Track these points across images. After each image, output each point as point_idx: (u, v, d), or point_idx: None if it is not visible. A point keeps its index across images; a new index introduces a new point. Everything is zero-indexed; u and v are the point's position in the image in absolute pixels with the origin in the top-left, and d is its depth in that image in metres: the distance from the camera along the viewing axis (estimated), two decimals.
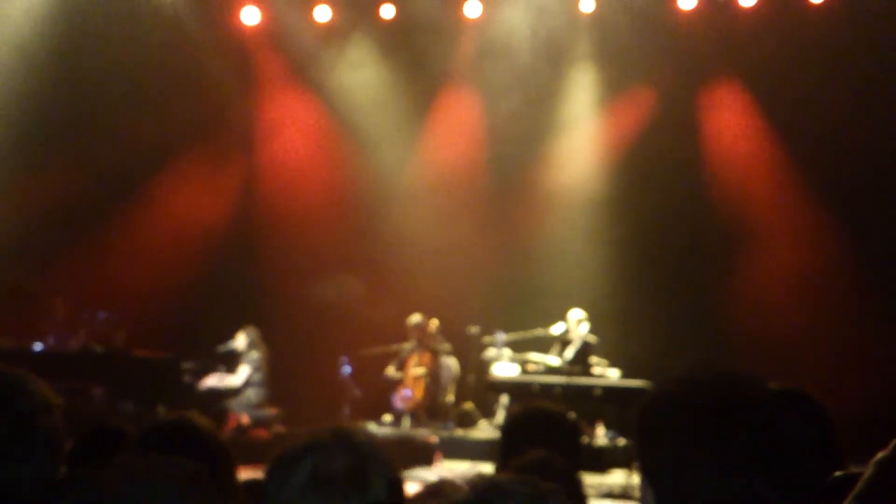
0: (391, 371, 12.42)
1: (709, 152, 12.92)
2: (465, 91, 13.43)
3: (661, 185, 12.59)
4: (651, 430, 1.76)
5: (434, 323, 12.38)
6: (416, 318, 12.39)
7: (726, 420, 1.68)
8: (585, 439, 10.76)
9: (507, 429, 3.19)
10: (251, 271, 13.44)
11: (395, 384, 12.39)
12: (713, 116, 12.96)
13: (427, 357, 12.38)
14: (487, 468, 9.57)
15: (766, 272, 12.16)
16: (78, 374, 11.00)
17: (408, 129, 13.51)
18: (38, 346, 11.05)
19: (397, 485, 1.76)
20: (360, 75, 13.53)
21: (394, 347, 12.55)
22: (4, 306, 12.00)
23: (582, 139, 13.40)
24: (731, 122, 12.85)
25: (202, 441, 2.27)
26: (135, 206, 13.30)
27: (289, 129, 13.93)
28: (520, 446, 2.79)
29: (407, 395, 12.24)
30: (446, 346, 12.43)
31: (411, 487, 1.64)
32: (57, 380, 11.03)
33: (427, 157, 13.59)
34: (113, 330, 11.58)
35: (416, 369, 12.33)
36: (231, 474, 2.32)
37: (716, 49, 12.57)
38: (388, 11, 13.17)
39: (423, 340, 12.37)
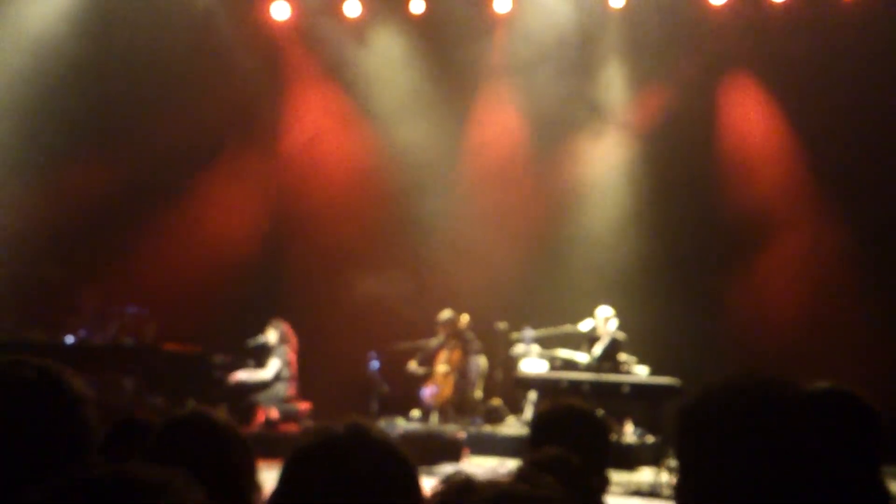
0: (413, 365, 12.43)
1: (736, 148, 12.80)
2: (495, 87, 13.40)
3: (690, 180, 12.54)
4: (692, 432, 1.81)
5: (465, 318, 12.37)
6: (447, 313, 12.40)
7: (766, 424, 1.73)
8: (614, 436, 10.73)
9: (535, 426, 3.18)
10: (281, 266, 13.49)
11: (423, 379, 12.40)
12: (737, 113, 12.84)
13: (457, 353, 12.38)
14: (515, 464, 9.57)
15: (793, 267, 12.06)
16: (108, 368, 11.08)
17: (439, 125, 13.48)
18: (69, 340, 11.14)
19: (414, 481, 1.74)
20: (391, 70, 13.54)
21: (421, 343, 12.56)
22: (37, 299, 12.12)
23: (611, 135, 13.33)
24: (755, 119, 12.72)
25: (219, 436, 2.27)
26: (165, 201, 13.38)
27: (319, 125, 13.97)
28: (547, 443, 2.78)
29: (433, 392, 12.25)
30: (477, 342, 12.42)
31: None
32: (88, 373, 11.14)
33: (456, 154, 13.56)
34: (143, 324, 11.65)
35: (446, 365, 12.34)
36: (249, 469, 2.32)
37: (744, 44, 12.47)
38: (417, 6, 13.18)
39: (454, 336, 12.37)
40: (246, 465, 2.28)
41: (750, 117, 12.76)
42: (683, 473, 1.82)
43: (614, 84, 13.27)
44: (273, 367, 11.62)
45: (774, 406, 1.75)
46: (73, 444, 1.85)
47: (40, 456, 1.80)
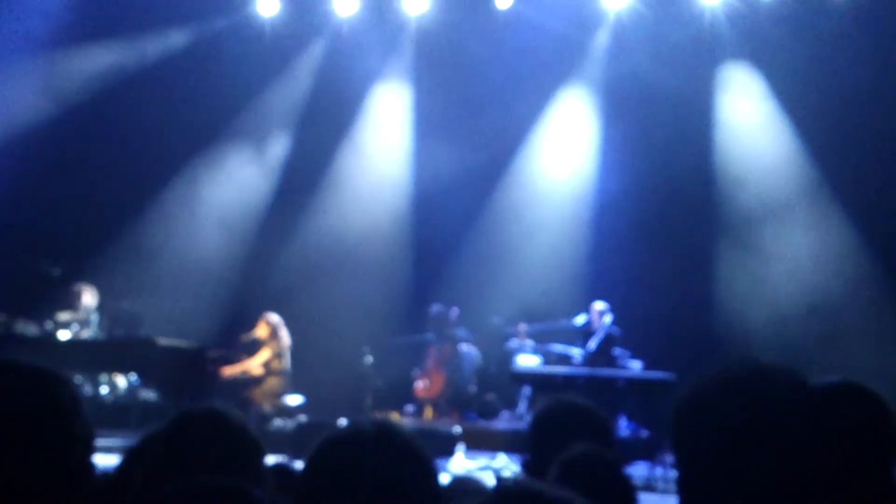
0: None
1: (727, 141, 12.79)
2: (486, 82, 13.34)
3: (683, 174, 12.54)
4: (688, 424, 1.78)
5: (454, 312, 12.38)
6: (436, 307, 12.40)
7: (764, 417, 1.69)
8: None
9: (538, 423, 3.16)
10: (276, 261, 13.45)
11: (419, 374, 12.41)
12: (734, 105, 12.85)
13: (448, 347, 12.39)
14: (506, 458, 9.61)
15: (790, 259, 12.09)
16: (103, 364, 11.04)
17: (435, 123, 13.45)
18: (63, 335, 11.09)
19: (435, 485, 1.75)
20: (389, 67, 13.50)
21: (415, 337, 12.57)
22: (31, 294, 12.06)
23: (604, 131, 13.32)
24: (748, 110, 12.72)
25: (231, 432, 2.28)
26: (162, 195, 13.37)
27: (317, 121, 13.96)
28: (552, 441, 2.78)
29: (426, 386, 12.29)
30: (464, 335, 12.43)
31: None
32: (82, 369, 11.12)
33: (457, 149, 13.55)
34: (137, 319, 11.62)
35: (436, 360, 12.36)
36: (260, 465, 2.33)
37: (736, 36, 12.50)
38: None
39: (443, 330, 12.38)
40: (258, 462, 2.28)
41: (746, 109, 12.73)
42: (683, 468, 1.78)
43: (608, 80, 13.21)
44: (263, 360, 11.57)
45: (770, 394, 1.71)
46: (75, 446, 1.81)
47: (28, 470, 1.74)
